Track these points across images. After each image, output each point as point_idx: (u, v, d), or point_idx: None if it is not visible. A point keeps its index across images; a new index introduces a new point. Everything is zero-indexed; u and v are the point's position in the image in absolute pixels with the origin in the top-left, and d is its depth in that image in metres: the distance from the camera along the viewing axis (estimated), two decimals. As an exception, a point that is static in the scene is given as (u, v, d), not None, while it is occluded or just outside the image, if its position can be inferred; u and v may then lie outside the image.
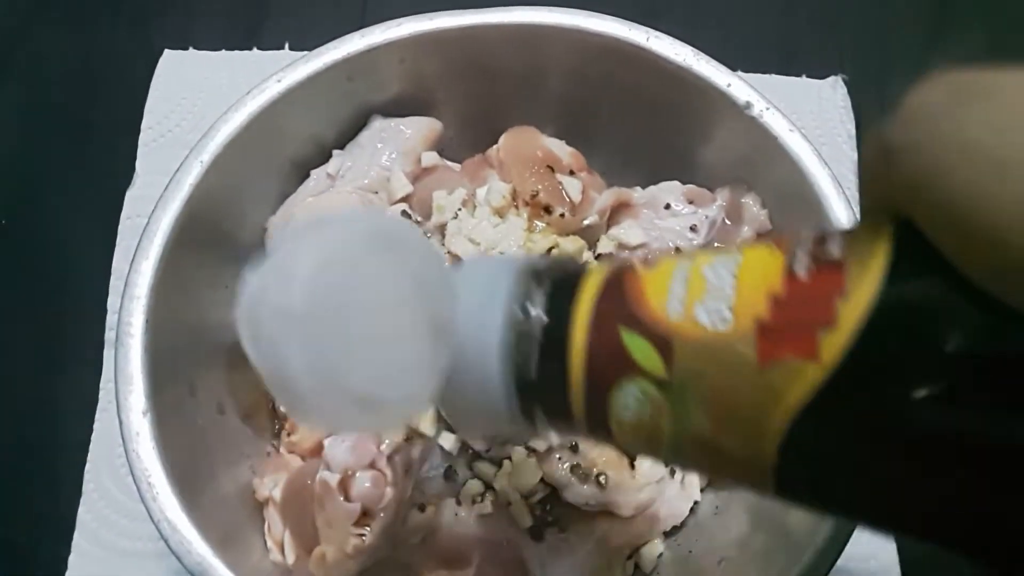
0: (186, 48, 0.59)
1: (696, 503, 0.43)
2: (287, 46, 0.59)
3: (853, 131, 0.56)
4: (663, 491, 0.42)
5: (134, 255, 0.39)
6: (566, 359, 0.23)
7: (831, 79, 0.58)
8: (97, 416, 0.49)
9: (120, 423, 0.37)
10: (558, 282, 0.24)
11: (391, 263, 0.23)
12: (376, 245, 0.23)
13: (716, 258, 0.22)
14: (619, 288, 0.23)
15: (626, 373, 0.22)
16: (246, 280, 0.23)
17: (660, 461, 0.24)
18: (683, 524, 0.43)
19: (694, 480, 0.43)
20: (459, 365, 0.24)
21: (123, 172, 0.55)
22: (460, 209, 0.43)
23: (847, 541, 0.35)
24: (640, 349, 0.21)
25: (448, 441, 0.39)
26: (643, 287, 0.22)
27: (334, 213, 0.23)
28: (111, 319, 0.51)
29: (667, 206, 0.44)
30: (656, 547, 0.43)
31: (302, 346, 0.22)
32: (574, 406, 0.23)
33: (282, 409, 0.44)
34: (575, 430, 0.24)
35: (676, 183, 0.45)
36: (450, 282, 0.25)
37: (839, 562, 0.36)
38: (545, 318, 0.23)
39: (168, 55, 0.58)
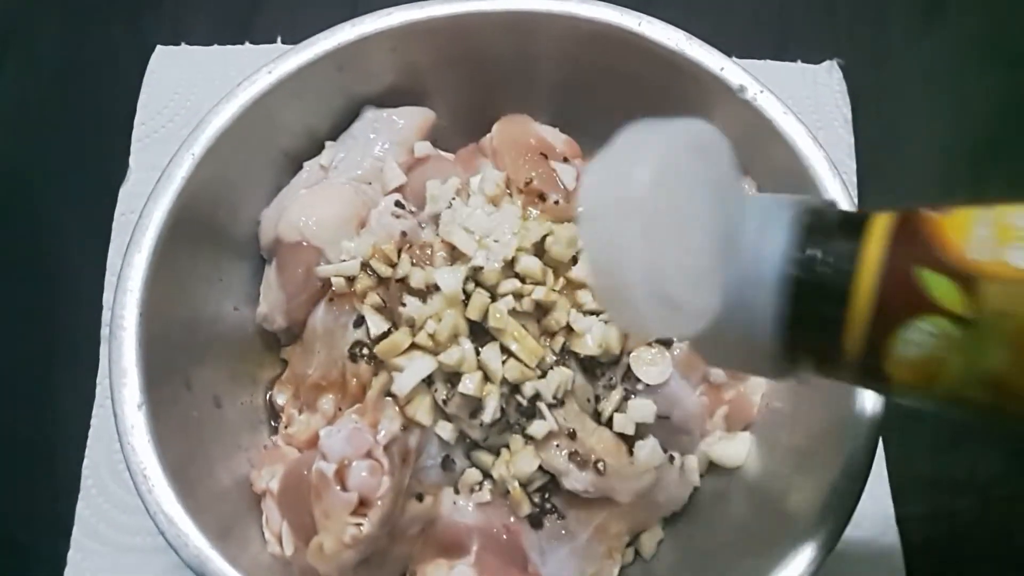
0: (178, 44, 0.58)
1: (696, 489, 0.43)
2: (279, 40, 0.59)
3: (849, 115, 0.56)
4: (662, 477, 0.42)
5: (127, 248, 0.39)
6: (849, 298, 0.24)
7: (826, 64, 0.57)
8: (94, 412, 0.49)
9: (115, 416, 0.37)
10: (842, 223, 0.25)
11: (705, 174, 0.25)
12: (696, 153, 0.25)
13: (1019, 208, 0.23)
14: (914, 231, 0.24)
15: (921, 311, 0.23)
16: (589, 166, 0.24)
17: (930, 400, 0.25)
18: (683, 510, 0.43)
19: (694, 466, 0.43)
20: (732, 293, 0.25)
21: (117, 168, 0.55)
22: (454, 198, 0.43)
23: (846, 524, 0.35)
24: (941, 287, 0.23)
25: (445, 430, 0.39)
26: (942, 230, 0.24)
27: (664, 121, 0.25)
28: (107, 315, 0.51)
29: (662, 192, 0.43)
30: (656, 533, 0.43)
31: (641, 236, 0.23)
32: (849, 346, 0.24)
33: (279, 402, 0.44)
34: (837, 372, 0.26)
35: (671, 168, 0.45)
36: (742, 203, 0.26)
37: (840, 547, 0.36)
38: (829, 257, 0.24)
39: (160, 51, 0.58)
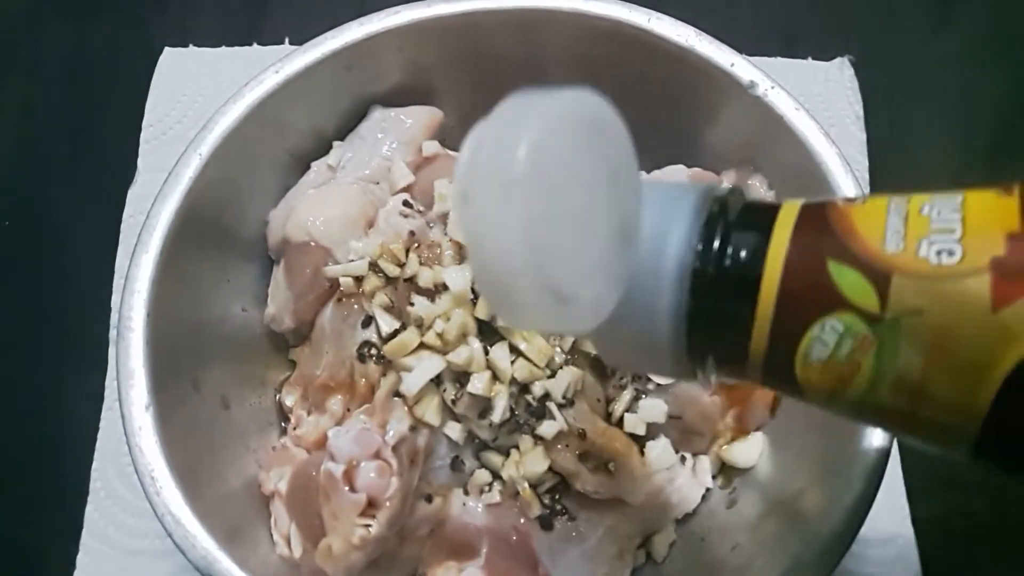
0: (186, 45, 0.58)
1: (708, 490, 0.43)
2: (287, 41, 0.58)
3: (861, 112, 0.55)
4: (674, 478, 0.42)
5: (134, 249, 0.39)
6: (754, 293, 0.22)
7: (837, 60, 0.57)
8: (103, 414, 0.49)
9: (122, 417, 0.36)
10: (745, 212, 0.23)
11: (595, 153, 0.22)
12: (586, 130, 0.22)
13: (933, 197, 0.21)
14: (823, 221, 0.22)
15: (830, 308, 0.21)
16: (465, 142, 0.21)
17: (840, 408, 0.22)
18: (695, 511, 0.43)
19: (706, 466, 0.42)
20: (628, 286, 0.23)
21: (125, 170, 0.55)
22: (462, 197, 0.43)
23: (860, 525, 0.35)
24: (851, 283, 0.21)
25: (454, 431, 0.38)
26: (852, 221, 0.21)
27: (549, 91, 0.21)
28: (115, 317, 0.51)
29: (672, 189, 0.43)
30: (668, 535, 0.42)
31: (522, 220, 0.20)
32: (754, 345, 0.22)
33: (288, 403, 0.44)
34: (744, 373, 0.23)
35: (682, 167, 0.45)
36: (638, 189, 0.24)
37: (855, 547, 0.35)
38: (733, 248, 0.22)
39: (168, 53, 0.58)
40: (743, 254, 0.22)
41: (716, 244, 0.23)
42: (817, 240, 0.22)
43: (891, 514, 0.46)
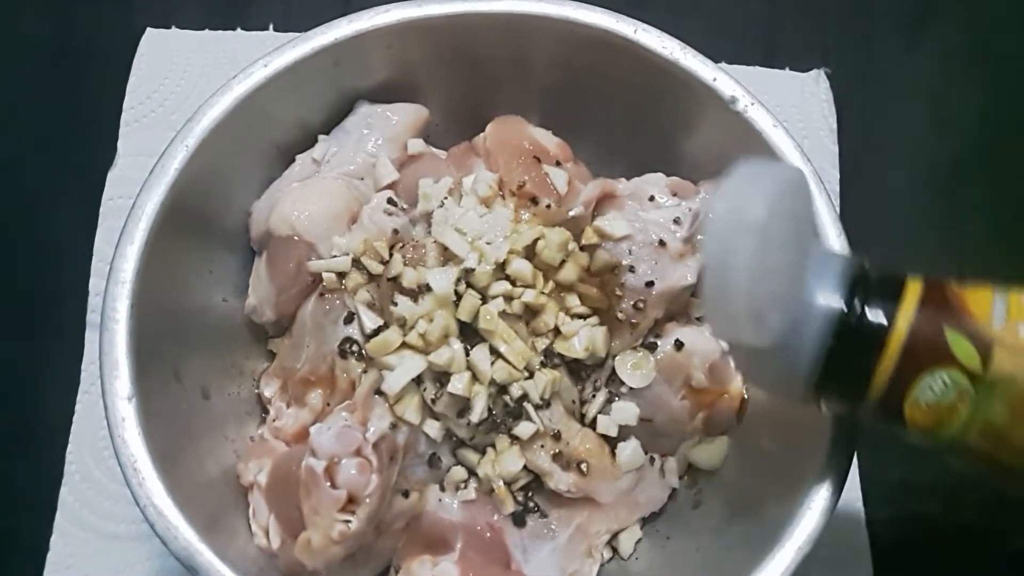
0: (169, 27, 0.58)
1: (675, 490, 0.44)
2: (271, 27, 0.58)
3: (835, 125, 0.57)
4: (643, 478, 0.43)
5: (119, 239, 0.39)
6: (883, 344, 0.29)
7: (814, 72, 0.58)
8: (79, 398, 0.49)
9: (105, 409, 0.37)
10: (883, 280, 0.31)
11: (798, 214, 0.31)
12: (795, 194, 0.31)
13: None
14: (943, 296, 0.30)
15: (942, 363, 0.29)
16: (717, 196, 0.30)
17: (936, 442, 0.30)
18: (662, 511, 0.44)
19: (673, 467, 0.44)
20: (789, 322, 0.30)
21: (105, 152, 0.54)
22: (446, 198, 0.44)
23: (821, 529, 0.36)
24: (962, 347, 0.28)
25: (433, 429, 0.39)
26: (966, 301, 0.29)
27: (767, 164, 0.33)
28: (93, 301, 0.51)
29: (651, 198, 0.44)
30: (635, 533, 0.44)
31: (752, 257, 0.28)
32: (874, 386, 0.30)
33: (266, 394, 0.45)
34: (859, 407, 0.31)
35: (660, 175, 0.46)
36: (811, 245, 0.32)
37: (812, 551, 0.37)
38: (871, 309, 0.30)
39: (151, 33, 0.58)
40: (878, 315, 0.30)
41: (859, 303, 0.30)
42: (938, 311, 0.29)
43: (848, 517, 0.48)
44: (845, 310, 0.30)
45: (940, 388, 0.29)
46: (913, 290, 0.30)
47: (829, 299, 0.30)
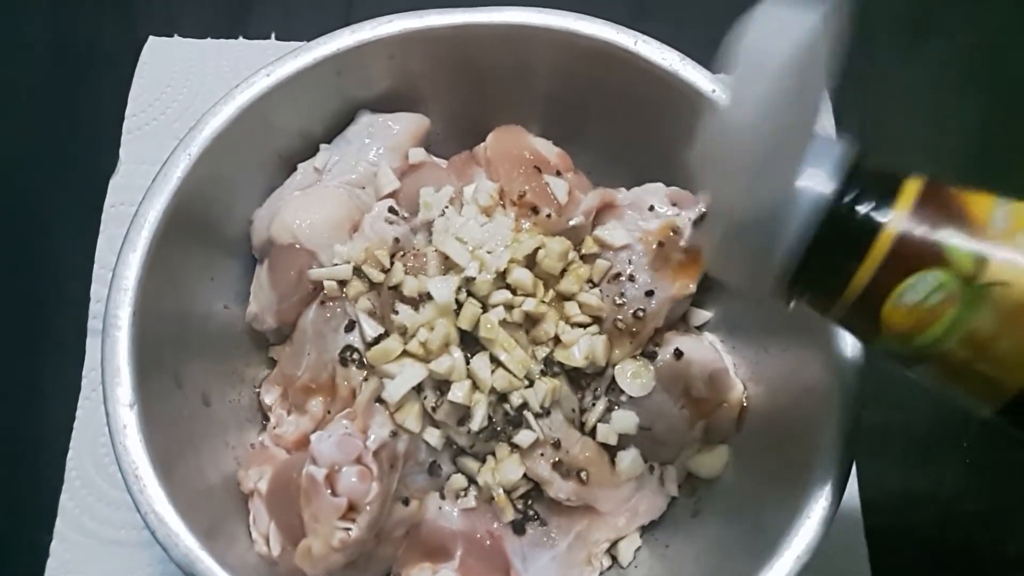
0: (171, 35, 0.58)
1: (674, 498, 0.44)
2: (273, 36, 0.59)
3: (834, 131, 0.57)
4: (642, 487, 0.43)
5: (121, 247, 0.39)
6: (872, 239, 0.27)
7: (813, 81, 0.58)
8: (80, 404, 0.50)
9: (107, 415, 0.37)
10: (881, 175, 0.28)
11: (809, 80, 0.27)
12: (812, 53, 0.27)
13: None
14: (942, 197, 0.27)
15: (932, 264, 0.26)
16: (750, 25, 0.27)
17: (909, 349, 0.28)
18: (661, 520, 0.44)
19: (672, 476, 0.44)
20: (770, 206, 0.28)
21: (107, 159, 0.55)
22: (447, 207, 0.44)
23: (820, 538, 0.36)
24: (956, 248, 0.26)
25: (433, 437, 0.40)
26: (966, 203, 0.27)
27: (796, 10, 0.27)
28: (95, 307, 0.51)
29: (651, 208, 0.44)
30: (634, 541, 0.44)
31: (768, 99, 0.26)
32: (854, 283, 0.27)
33: (267, 401, 0.45)
34: (830, 306, 0.29)
35: (660, 185, 0.46)
36: (814, 129, 0.29)
37: (810, 560, 0.37)
38: (865, 202, 0.27)
39: (153, 42, 0.58)
40: (872, 206, 0.27)
41: (853, 193, 0.27)
42: (935, 211, 0.27)
43: (847, 527, 0.48)
44: (837, 198, 0.27)
45: (927, 290, 0.27)
46: (911, 188, 0.28)
47: (822, 183, 0.28)
